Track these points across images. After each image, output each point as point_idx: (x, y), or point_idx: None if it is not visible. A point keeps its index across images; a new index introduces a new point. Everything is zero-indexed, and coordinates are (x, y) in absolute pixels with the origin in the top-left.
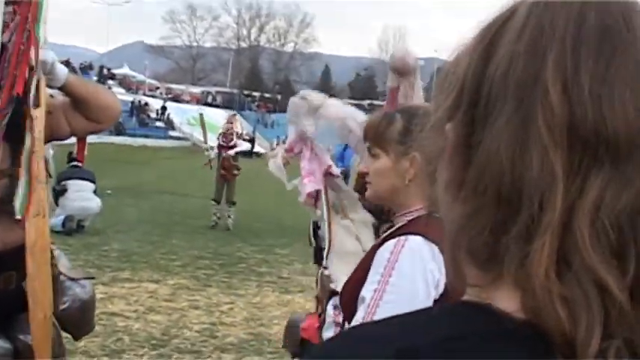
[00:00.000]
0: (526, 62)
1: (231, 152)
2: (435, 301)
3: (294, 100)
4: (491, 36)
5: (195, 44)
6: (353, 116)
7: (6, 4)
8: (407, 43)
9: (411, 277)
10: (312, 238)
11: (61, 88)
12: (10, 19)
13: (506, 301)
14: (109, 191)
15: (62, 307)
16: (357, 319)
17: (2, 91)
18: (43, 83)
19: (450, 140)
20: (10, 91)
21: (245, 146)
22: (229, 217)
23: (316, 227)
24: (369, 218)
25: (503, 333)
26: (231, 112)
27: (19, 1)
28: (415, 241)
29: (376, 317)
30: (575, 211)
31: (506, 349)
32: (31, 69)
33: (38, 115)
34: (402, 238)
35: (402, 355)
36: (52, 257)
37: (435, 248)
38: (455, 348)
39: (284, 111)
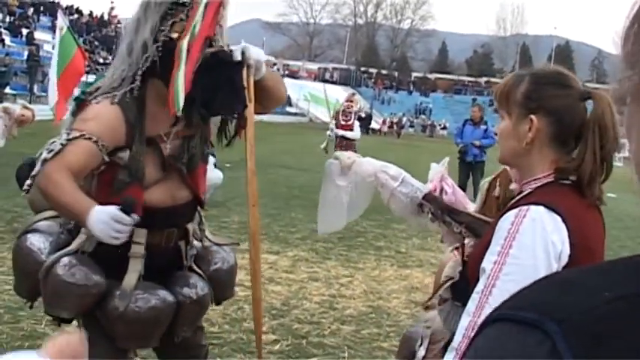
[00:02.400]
0: None
1: (350, 134)
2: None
3: (327, 163)
4: None
5: (311, 21)
6: (384, 169)
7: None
8: (525, 20)
9: (531, 248)
10: None
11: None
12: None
13: None
14: (228, 165)
15: (213, 267)
16: (477, 291)
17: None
18: (252, 78)
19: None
20: None
21: (357, 133)
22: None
23: None
24: None
25: None
26: (350, 90)
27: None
28: (537, 211)
29: (496, 289)
30: None
31: None
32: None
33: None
34: (524, 207)
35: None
36: (201, 222)
37: (558, 218)
38: None
39: (400, 88)
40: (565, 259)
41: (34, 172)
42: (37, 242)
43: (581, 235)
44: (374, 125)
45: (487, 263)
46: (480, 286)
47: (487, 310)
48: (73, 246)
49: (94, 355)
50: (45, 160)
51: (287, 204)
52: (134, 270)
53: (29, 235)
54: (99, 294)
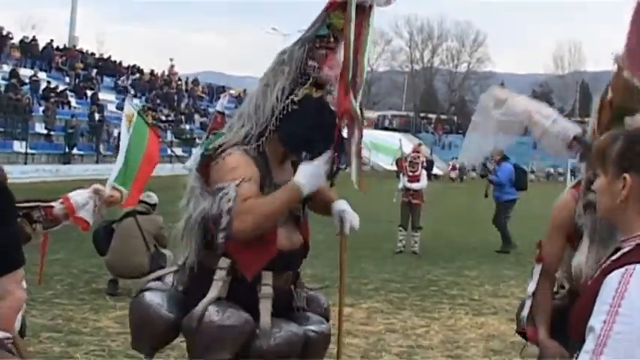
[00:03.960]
0: None
1: (416, 186)
2: None
3: (482, 96)
4: None
5: (369, 69)
6: (538, 109)
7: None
8: (583, 56)
9: None
10: None
11: None
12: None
13: None
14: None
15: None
16: (587, 350)
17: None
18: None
19: None
20: None
21: (424, 182)
22: (415, 242)
23: None
24: None
25: None
26: (413, 138)
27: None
28: None
29: (607, 349)
30: None
31: None
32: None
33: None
34: (630, 267)
35: None
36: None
37: None
38: None
39: (460, 132)
40: None
41: (222, 226)
42: (156, 298)
43: None
44: (436, 171)
45: (596, 322)
46: (589, 346)
47: None
48: (214, 294)
49: None
50: (229, 210)
51: (356, 254)
52: (266, 309)
53: (146, 293)
54: (251, 331)
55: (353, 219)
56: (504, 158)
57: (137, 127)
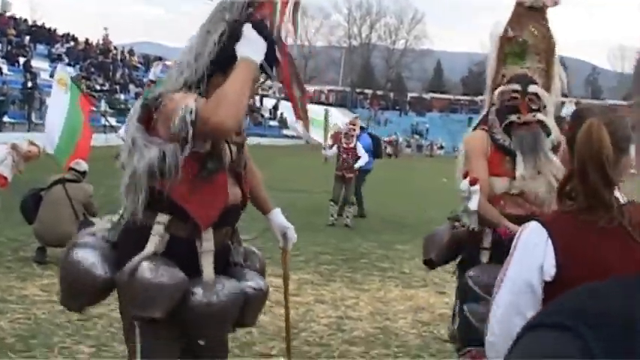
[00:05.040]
0: None
1: (360, 162)
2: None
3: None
4: None
5: (306, 43)
6: None
7: None
8: None
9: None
10: None
11: None
12: None
13: None
14: None
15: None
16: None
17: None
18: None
19: None
20: None
21: (364, 160)
22: (347, 217)
23: None
24: None
25: None
26: (349, 113)
27: None
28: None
29: (503, 284)
30: None
31: None
32: None
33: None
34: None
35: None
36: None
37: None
38: None
39: (396, 108)
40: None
41: (187, 138)
42: (88, 255)
43: (572, 255)
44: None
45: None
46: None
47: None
48: (150, 249)
49: None
50: (193, 121)
51: None
52: (208, 264)
53: (78, 250)
54: (186, 290)
55: (293, 236)
56: (362, 129)
57: (72, 94)
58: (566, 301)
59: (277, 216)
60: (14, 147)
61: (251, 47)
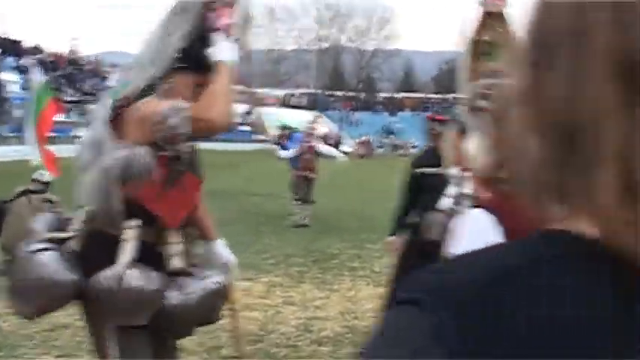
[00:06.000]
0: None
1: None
2: None
3: None
4: None
5: (276, 47)
6: None
7: None
8: None
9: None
10: None
11: None
12: None
13: (585, 229)
14: None
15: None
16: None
17: None
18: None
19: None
20: None
21: (327, 150)
22: (306, 217)
23: None
24: None
25: (588, 255)
26: (316, 113)
27: None
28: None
29: None
30: (632, 142)
31: (593, 269)
32: None
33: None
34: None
35: (496, 275)
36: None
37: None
38: (543, 268)
39: (367, 109)
40: None
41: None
42: (53, 260)
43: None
44: (344, 148)
45: None
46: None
47: None
48: (128, 256)
49: None
50: (186, 117)
51: (258, 230)
52: (180, 266)
53: (40, 255)
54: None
55: (235, 268)
56: (293, 130)
57: (39, 95)
58: (423, 276)
59: (221, 248)
60: None
61: (227, 52)
